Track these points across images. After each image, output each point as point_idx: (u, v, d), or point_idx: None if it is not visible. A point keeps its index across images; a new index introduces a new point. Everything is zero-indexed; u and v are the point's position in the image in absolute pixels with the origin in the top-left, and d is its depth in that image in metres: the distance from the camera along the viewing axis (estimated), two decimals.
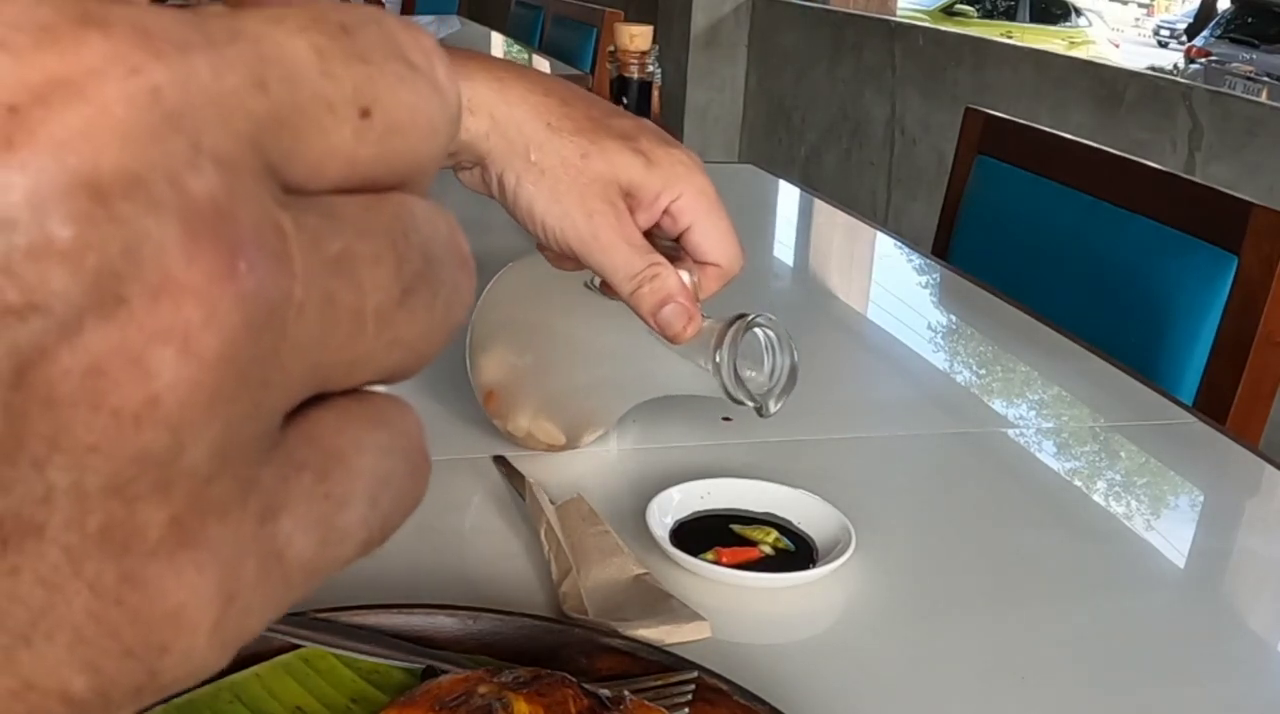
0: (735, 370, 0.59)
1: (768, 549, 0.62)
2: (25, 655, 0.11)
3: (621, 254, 0.58)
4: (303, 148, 0.13)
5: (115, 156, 0.11)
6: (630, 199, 0.59)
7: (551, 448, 0.71)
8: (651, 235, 0.60)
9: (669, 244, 0.61)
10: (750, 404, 0.60)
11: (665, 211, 0.60)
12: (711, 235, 0.60)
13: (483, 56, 0.62)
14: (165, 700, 0.44)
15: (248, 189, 0.12)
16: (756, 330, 0.60)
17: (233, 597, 0.13)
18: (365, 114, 0.13)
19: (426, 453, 0.15)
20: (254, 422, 0.13)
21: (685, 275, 0.59)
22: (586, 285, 0.64)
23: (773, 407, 0.61)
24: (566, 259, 0.61)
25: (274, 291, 0.12)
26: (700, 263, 0.61)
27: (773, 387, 0.61)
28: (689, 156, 0.60)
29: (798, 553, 0.62)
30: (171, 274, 0.11)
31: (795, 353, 0.61)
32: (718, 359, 0.59)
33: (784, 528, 0.64)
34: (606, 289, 0.59)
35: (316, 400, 0.14)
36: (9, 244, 0.11)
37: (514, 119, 0.59)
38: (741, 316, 0.59)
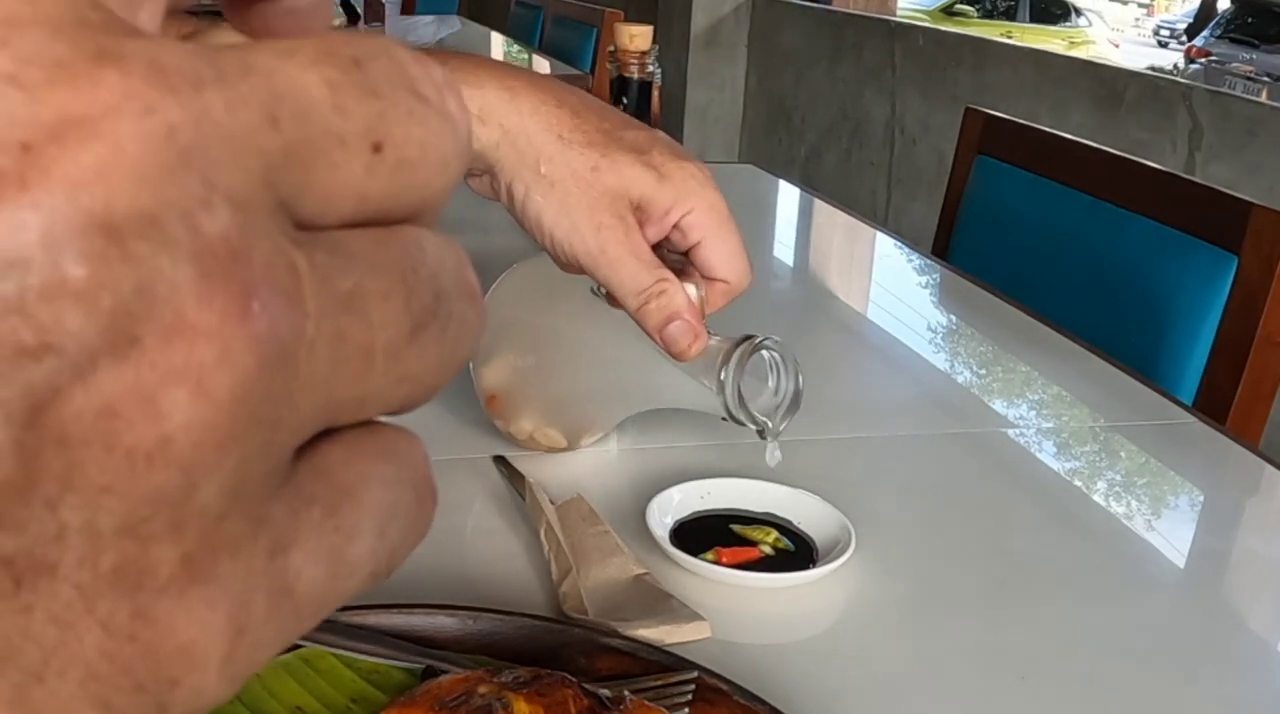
0: (739, 391, 0.59)
1: (768, 549, 0.62)
2: (38, 693, 0.12)
3: (629, 269, 0.58)
4: (314, 183, 0.13)
5: (130, 196, 0.11)
6: (640, 213, 0.58)
7: (552, 450, 0.72)
8: (659, 248, 0.60)
9: (677, 257, 0.61)
10: (752, 426, 0.60)
11: (675, 226, 0.59)
12: (721, 252, 0.60)
13: (494, 64, 0.62)
14: None
15: (261, 227, 0.12)
16: (763, 352, 0.60)
17: (243, 630, 0.13)
18: (377, 149, 0.13)
19: (433, 484, 0.16)
20: (265, 459, 0.13)
21: (692, 289, 0.59)
22: (593, 291, 0.64)
23: (774, 430, 0.60)
24: (573, 265, 0.61)
25: (287, 331, 0.12)
26: (708, 278, 0.60)
27: (775, 409, 0.61)
28: (701, 171, 0.60)
29: (798, 553, 0.62)
30: (185, 315, 0.11)
31: (800, 377, 0.61)
32: (722, 377, 0.58)
33: (784, 528, 0.64)
34: (613, 299, 0.59)
35: (325, 433, 0.14)
36: (23, 284, 0.11)
37: (525, 130, 0.59)
38: (749, 337, 0.59)
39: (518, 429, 0.70)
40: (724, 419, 0.77)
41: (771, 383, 0.61)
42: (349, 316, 0.13)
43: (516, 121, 0.59)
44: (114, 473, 0.11)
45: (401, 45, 0.14)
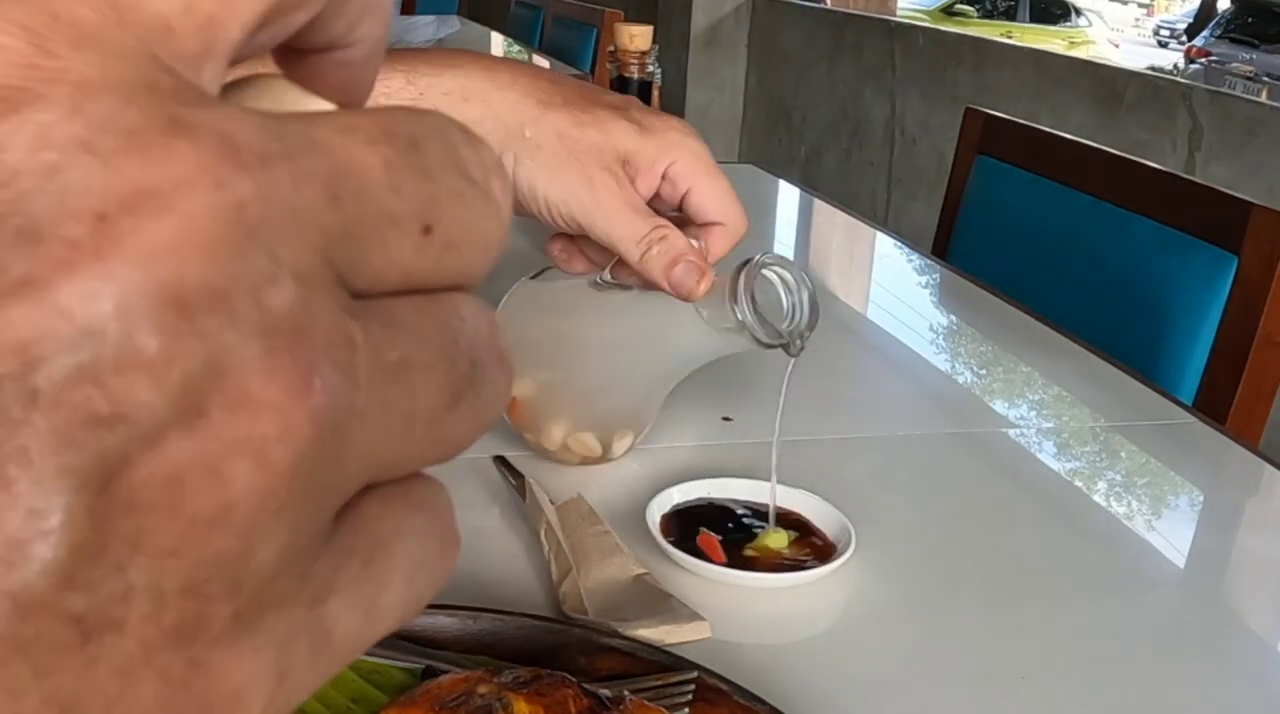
0: (758, 318, 0.58)
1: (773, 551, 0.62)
2: None
3: (626, 219, 0.58)
4: (367, 260, 0.13)
5: (200, 270, 0.11)
6: (628, 167, 0.60)
7: (586, 460, 0.69)
8: (653, 207, 0.60)
9: (672, 214, 0.61)
10: (778, 344, 0.58)
11: (664, 177, 0.60)
12: (711, 195, 0.61)
13: (479, 54, 0.64)
14: None
15: (322, 302, 0.13)
16: (765, 272, 0.59)
17: (285, 676, 0.13)
18: (427, 231, 0.14)
19: (457, 533, 0.16)
20: (315, 522, 0.13)
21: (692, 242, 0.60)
22: (595, 283, 0.64)
23: (801, 343, 0.59)
24: (576, 257, 0.61)
25: (342, 405, 0.13)
26: (705, 225, 0.62)
27: (796, 324, 0.60)
28: (681, 123, 0.62)
29: (803, 550, 0.62)
30: (250, 390, 0.12)
31: (810, 283, 0.60)
32: (737, 314, 0.57)
33: (795, 522, 0.63)
34: (617, 271, 0.59)
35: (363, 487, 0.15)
36: (98, 354, 0.11)
37: (507, 100, 0.60)
38: (746, 262, 0.58)
39: (549, 438, 0.68)
40: (725, 419, 0.77)
41: (785, 300, 0.60)
42: (395, 387, 0.14)
43: (498, 95, 0.60)
44: (179, 537, 0.12)
45: (454, 124, 0.15)
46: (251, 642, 0.13)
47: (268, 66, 0.16)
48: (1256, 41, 9.51)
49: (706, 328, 0.60)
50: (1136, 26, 20.44)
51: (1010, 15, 13.55)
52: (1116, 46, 14.41)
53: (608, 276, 0.61)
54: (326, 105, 0.17)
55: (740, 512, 0.65)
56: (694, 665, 0.47)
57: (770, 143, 4.56)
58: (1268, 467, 0.80)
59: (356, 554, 0.14)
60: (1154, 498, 0.79)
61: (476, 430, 0.15)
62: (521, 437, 0.70)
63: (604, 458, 0.70)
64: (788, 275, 0.60)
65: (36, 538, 0.11)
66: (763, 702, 0.45)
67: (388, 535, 0.15)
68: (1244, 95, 3.40)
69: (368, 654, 0.47)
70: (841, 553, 0.61)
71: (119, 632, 0.12)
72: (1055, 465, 0.81)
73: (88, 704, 0.12)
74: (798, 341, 0.59)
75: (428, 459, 0.15)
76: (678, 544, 0.61)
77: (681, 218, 0.62)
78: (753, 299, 0.58)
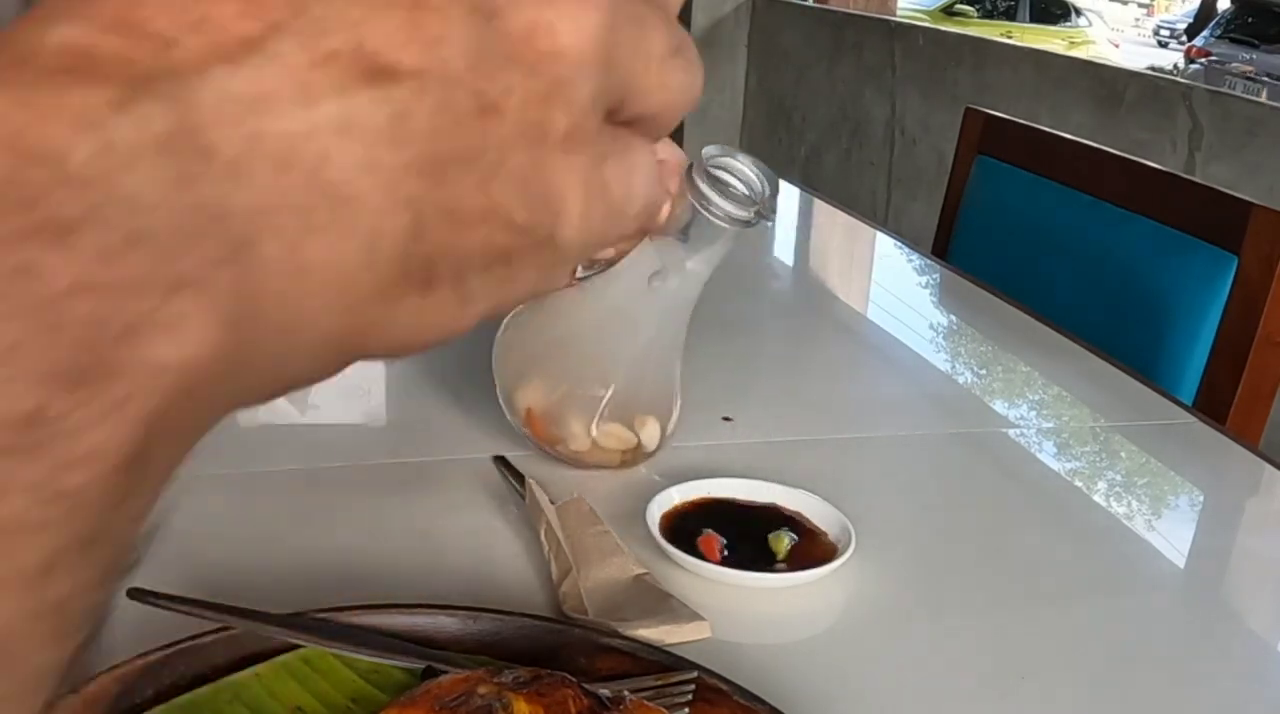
0: (728, 199, 0.59)
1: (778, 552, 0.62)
2: (493, 186, 0.18)
3: None
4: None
5: None
6: None
7: (626, 457, 0.69)
8: None
9: None
10: (755, 215, 0.60)
11: None
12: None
13: None
14: (185, 689, 0.44)
15: None
16: (711, 171, 0.60)
17: (590, 201, 0.20)
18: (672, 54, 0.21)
19: (669, 188, 0.23)
20: (603, 93, 0.20)
21: None
22: (578, 278, 0.64)
23: (772, 206, 0.61)
24: None
25: (612, 16, 0.19)
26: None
27: (761, 193, 0.61)
28: None
29: (806, 551, 0.62)
30: None
31: (747, 154, 0.62)
32: (711, 210, 0.59)
33: (793, 522, 0.64)
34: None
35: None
36: None
37: None
38: (689, 168, 0.60)
39: (575, 439, 0.68)
40: (726, 419, 0.77)
41: (736, 180, 0.61)
42: (636, 29, 0.20)
43: None
44: (536, 58, 0.18)
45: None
46: (571, 162, 0.19)
47: None
48: (1256, 41, 9.51)
49: (686, 250, 0.62)
50: (1136, 26, 20.44)
51: (1010, 15, 13.54)
52: (1116, 46, 14.39)
53: (582, 269, 0.62)
54: None
55: (740, 514, 0.65)
56: (694, 665, 0.47)
57: (770, 143, 4.56)
58: (1268, 467, 0.80)
59: (618, 143, 0.21)
60: (1154, 498, 0.79)
61: (685, 92, 0.21)
62: (541, 447, 0.70)
63: (640, 451, 0.69)
64: (727, 160, 0.61)
65: (452, 26, 0.17)
66: (763, 702, 0.45)
67: (632, 146, 0.21)
68: (1244, 95, 3.40)
69: (368, 654, 0.47)
70: (841, 553, 0.61)
71: (501, 115, 0.18)
72: (1055, 465, 0.81)
73: (476, 160, 0.18)
74: (769, 207, 0.61)
75: (654, 100, 0.21)
76: (678, 544, 0.61)
77: None
78: (715, 182, 0.59)
